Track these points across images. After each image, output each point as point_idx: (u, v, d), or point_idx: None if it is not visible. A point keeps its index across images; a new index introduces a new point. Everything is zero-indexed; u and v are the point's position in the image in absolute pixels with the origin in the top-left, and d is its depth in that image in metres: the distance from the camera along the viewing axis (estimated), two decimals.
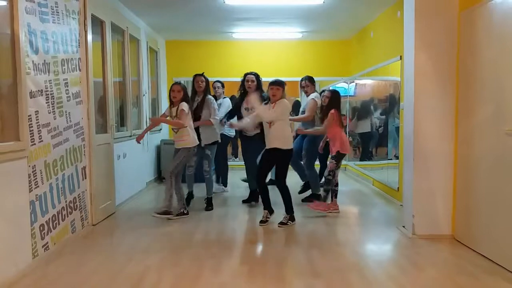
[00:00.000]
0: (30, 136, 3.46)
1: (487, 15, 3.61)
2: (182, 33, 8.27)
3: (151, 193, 6.77)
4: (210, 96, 5.52)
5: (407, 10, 4.32)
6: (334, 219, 4.99)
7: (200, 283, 3.15)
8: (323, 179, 6.08)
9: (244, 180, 6.48)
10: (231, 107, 5.97)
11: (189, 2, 6.00)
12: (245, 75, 5.53)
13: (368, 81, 7.71)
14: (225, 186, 6.58)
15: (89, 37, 4.60)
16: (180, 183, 4.98)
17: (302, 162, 5.76)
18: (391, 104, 6.23)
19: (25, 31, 3.40)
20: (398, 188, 5.66)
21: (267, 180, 5.02)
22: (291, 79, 9.07)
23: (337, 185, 5.22)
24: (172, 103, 4.92)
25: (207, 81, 5.45)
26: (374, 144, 7.41)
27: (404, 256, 3.74)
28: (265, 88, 5.27)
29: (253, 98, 4.77)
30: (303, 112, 5.76)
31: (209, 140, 5.44)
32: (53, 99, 3.85)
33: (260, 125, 4.92)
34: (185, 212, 4.99)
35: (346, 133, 5.40)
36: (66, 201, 4.07)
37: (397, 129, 5.82)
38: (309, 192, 5.88)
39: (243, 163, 5.89)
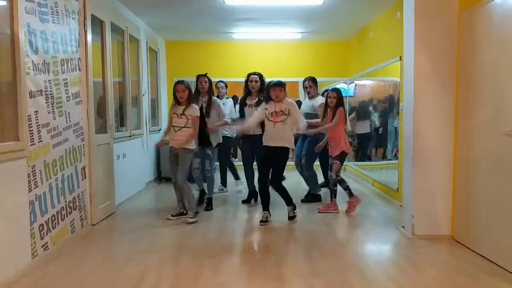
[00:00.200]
0: (30, 136, 3.46)
1: (487, 15, 3.62)
2: (182, 33, 8.27)
3: (151, 193, 6.77)
4: (216, 98, 5.54)
5: (407, 11, 4.32)
6: (334, 219, 4.99)
7: (200, 283, 3.15)
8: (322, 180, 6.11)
9: (236, 177, 6.56)
10: (233, 108, 5.99)
11: (189, 2, 6.00)
12: (249, 75, 5.53)
13: (367, 82, 7.71)
14: (225, 186, 6.59)
15: (89, 37, 4.59)
16: (190, 190, 4.99)
17: (302, 161, 5.77)
18: (391, 104, 6.23)
19: (25, 31, 3.40)
20: (397, 188, 5.67)
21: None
22: (291, 80, 9.10)
23: (336, 185, 5.24)
24: (178, 102, 4.82)
25: (210, 81, 5.44)
26: (373, 144, 7.41)
27: (403, 257, 3.74)
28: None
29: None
30: (306, 113, 5.74)
31: (218, 140, 5.50)
32: (53, 99, 3.85)
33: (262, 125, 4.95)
34: (185, 212, 4.99)
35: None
36: (65, 201, 4.07)
37: (396, 129, 5.82)
38: (310, 195, 5.90)
39: (241, 163, 5.92)
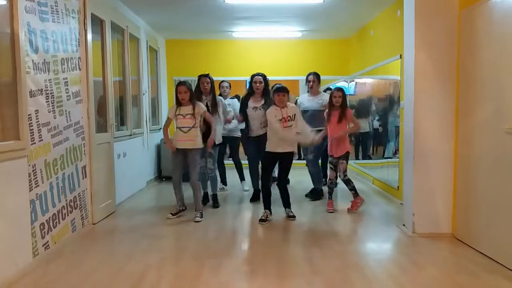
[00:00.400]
0: (30, 135, 3.46)
1: (487, 13, 3.61)
2: (182, 32, 8.27)
3: (151, 192, 6.77)
4: (220, 97, 5.55)
5: (407, 9, 4.31)
6: (334, 217, 4.99)
7: (200, 282, 3.15)
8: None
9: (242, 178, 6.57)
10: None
11: (189, 0, 5.99)
12: (253, 76, 5.54)
13: (368, 80, 7.71)
14: (225, 185, 6.60)
15: (89, 36, 4.59)
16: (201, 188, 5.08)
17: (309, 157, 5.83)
18: (391, 103, 6.23)
19: (25, 30, 3.40)
20: (398, 186, 5.67)
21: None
22: (291, 78, 9.12)
23: (337, 185, 5.28)
24: (180, 104, 4.80)
25: (212, 81, 5.40)
26: (374, 143, 7.41)
27: (404, 255, 3.74)
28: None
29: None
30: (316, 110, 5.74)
31: (219, 140, 5.52)
32: (53, 98, 3.85)
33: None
34: (183, 209, 5.01)
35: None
36: (66, 200, 4.08)
37: (397, 128, 5.82)
38: (314, 190, 5.95)
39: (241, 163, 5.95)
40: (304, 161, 6.08)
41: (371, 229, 4.65)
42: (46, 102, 3.73)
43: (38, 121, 3.58)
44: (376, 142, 7.29)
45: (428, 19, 4.11)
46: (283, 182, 4.98)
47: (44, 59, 3.71)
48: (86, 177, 4.54)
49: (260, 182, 5.12)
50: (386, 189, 6.25)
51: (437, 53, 4.12)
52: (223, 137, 5.72)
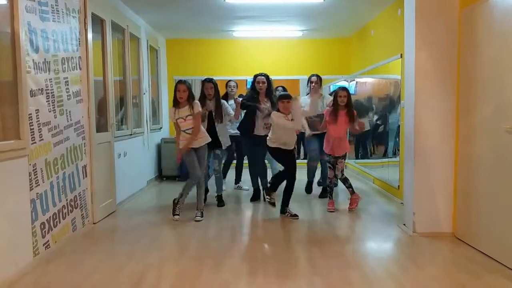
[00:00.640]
0: (31, 135, 3.46)
1: (487, 12, 3.61)
2: (182, 32, 8.26)
3: (152, 191, 6.78)
4: (224, 101, 5.54)
5: (408, 8, 4.31)
6: (334, 217, 4.99)
7: (201, 282, 3.15)
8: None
9: (238, 186, 6.58)
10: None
11: (189, 0, 5.99)
12: (255, 76, 5.53)
13: (368, 79, 7.70)
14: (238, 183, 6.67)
15: (89, 35, 4.59)
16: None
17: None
18: (391, 102, 6.22)
19: (26, 29, 3.40)
20: (398, 186, 5.66)
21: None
22: (292, 78, 9.12)
23: (336, 184, 5.31)
24: (177, 104, 4.76)
25: (216, 86, 5.35)
26: (374, 142, 7.40)
27: (404, 254, 3.74)
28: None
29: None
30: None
31: (228, 143, 5.55)
32: (54, 97, 3.85)
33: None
34: (176, 202, 4.95)
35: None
36: (66, 200, 4.08)
37: (397, 127, 5.82)
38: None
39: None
40: (305, 161, 6.08)
41: (372, 229, 4.65)
42: (47, 101, 3.73)
43: (39, 120, 3.59)
44: (376, 141, 7.29)
45: (429, 18, 4.10)
46: (292, 176, 4.94)
47: (45, 59, 3.71)
48: (86, 176, 4.54)
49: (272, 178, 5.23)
50: (387, 188, 6.25)
51: (438, 52, 4.12)
52: (232, 136, 5.75)
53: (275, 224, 4.69)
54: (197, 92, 5.48)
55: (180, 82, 4.79)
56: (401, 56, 5.50)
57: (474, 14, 3.80)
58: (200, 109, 4.77)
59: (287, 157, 4.92)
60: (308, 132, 5.67)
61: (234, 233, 4.47)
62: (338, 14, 6.81)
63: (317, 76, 5.88)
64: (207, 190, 5.72)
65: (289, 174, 4.93)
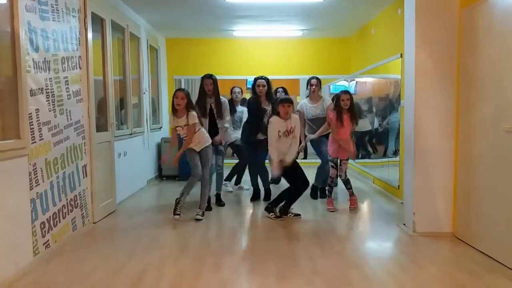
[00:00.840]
0: (31, 134, 3.46)
1: (487, 12, 3.61)
2: (182, 31, 8.26)
3: (152, 191, 6.78)
4: (225, 99, 5.50)
5: (408, 8, 4.31)
6: (334, 216, 4.99)
7: (201, 281, 3.15)
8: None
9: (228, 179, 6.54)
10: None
11: None
12: (255, 79, 5.54)
13: (368, 79, 7.70)
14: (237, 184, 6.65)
15: (89, 35, 4.59)
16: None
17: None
18: (391, 102, 6.22)
19: (25, 29, 3.40)
20: (398, 186, 5.67)
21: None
22: (292, 77, 9.13)
23: (337, 184, 5.33)
24: (175, 111, 4.77)
25: (215, 81, 5.35)
26: (374, 141, 7.41)
27: (404, 254, 3.74)
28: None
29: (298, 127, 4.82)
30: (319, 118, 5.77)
31: (229, 140, 5.57)
32: (54, 97, 3.85)
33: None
34: (177, 201, 4.91)
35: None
36: (67, 199, 4.08)
37: (397, 126, 5.82)
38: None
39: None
40: (305, 160, 6.09)
41: (372, 228, 4.65)
42: (47, 101, 3.73)
43: (39, 120, 3.58)
44: (376, 140, 7.29)
45: (429, 17, 4.10)
46: (305, 184, 4.90)
47: (45, 58, 3.70)
48: (86, 176, 4.54)
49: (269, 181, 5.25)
50: (387, 188, 6.25)
51: (438, 51, 4.12)
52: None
53: (275, 224, 4.69)
54: (196, 92, 5.49)
55: (178, 89, 4.84)
56: (401, 56, 5.50)
57: (474, 13, 3.80)
58: (196, 120, 4.76)
59: (291, 171, 4.78)
60: (308, 138, 5.70)
61: (234, 232, 4.47)
62: (338, 14, 6.81)
63: (317, 78, 5.85)
64: (221, 203, 5.63)
65: (298, 189, 4.86)
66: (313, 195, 5.91)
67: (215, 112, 5.32)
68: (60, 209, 3.94)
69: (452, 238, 4.12)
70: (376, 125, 7.14)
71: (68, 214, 4.11)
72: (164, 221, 4.83)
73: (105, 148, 5.03)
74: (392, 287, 3.05)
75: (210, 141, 4.96)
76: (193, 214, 4.87)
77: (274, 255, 3.71)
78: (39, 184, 3.58)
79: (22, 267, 3.29)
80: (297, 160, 4.87)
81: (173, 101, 4.76)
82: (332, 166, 5.29)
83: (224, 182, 6.15)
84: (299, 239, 4.26)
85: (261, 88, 5.45)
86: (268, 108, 5.44)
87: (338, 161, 5.30)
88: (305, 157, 8.82)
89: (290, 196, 4.90)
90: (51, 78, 3.80)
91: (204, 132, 4.93)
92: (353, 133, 5.37)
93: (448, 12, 4.09)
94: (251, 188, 5.95)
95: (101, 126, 5.03)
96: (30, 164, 3.45)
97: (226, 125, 5.45)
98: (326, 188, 5.48)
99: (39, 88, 3.60)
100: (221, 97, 5.42)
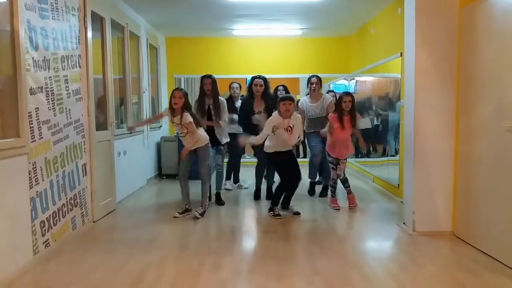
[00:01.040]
0: (30, 133, 3.46)
1: (487, 11, 3.60)
2: (182, 30, 8.26)
3: (152, 190, 6.77)
4: (223, 99, 5.52)
5: (408, 7, 4.30)
6: (334, 216, 4.99)
7: (201, 280, 3.15)
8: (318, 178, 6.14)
9: (239, 186, 6.56)
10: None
11: None
12: (253, 78, 5.52)
13: (368, 78, 7.70)
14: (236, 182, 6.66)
15: (89, 33, 4.59)
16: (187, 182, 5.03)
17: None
18: (391, 101, 6.22)
19: (25, 27, 3.39)
20: (398, 185, 5.67)
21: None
22: (291, 76, 9.12)
23: (337, 183, 5.33)
24: (172, 109, 4.78)
25: (214, 81, 5.39)
26: (374, 140, 7.40)
27: (404, 253, 3.74)
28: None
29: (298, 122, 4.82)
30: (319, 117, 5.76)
31: (226, 140, 5.57)
32: (53, 95, 3.85)
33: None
34: (189, 208, 4.99)
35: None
36: (66, 198, 4.07)
37: (397, 126, 5.82)
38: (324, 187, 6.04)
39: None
40: (304, 159, 6.09)
41: (371, 228, 4.65)
42: (46, 99, 3.73)
43: (38, 118, 3.58)
44: (376, 140, 7.28)
45: (429, 17, 4.10)
46: (297, 178, 4.94)
47: (44, 57, 3.70)
48: (86, 175, 4.54)
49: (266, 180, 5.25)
50: (387, 187, 6.25)
51: (438, 51, 4.12)
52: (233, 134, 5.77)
53: (275, 223, 4.68)
54: (196, 91, 5.50)
55: (176, 89, 4.86)
56: (401, 55, 5.50)
57: (474, 12, 3.80)
58: (190, 119, 4.75)
59: (286, 164, 4.85)
60: (322, 132, 5.65)
61: (234, 231, 4.47)
62: (338, 13, 6.81)
63: (317, 77, 5.83)
64: (221, 202, 5.66)
65: (287, 183, 4.90)
66: (310, 192, 5.99)
67: (213, 112, 5.34)
68: (60, 208, 3.93)
69: (452, 237, 4.12)
70: (375, 122, 7.14)
71: (68, 213, 4.11)
72: (164, 220, 4.83)
73: (105, 147, 5.02)
74: (392, 286, 3.05)
75: (207, 141, 4.96)
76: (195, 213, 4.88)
77: (274, 254, 3.71)
78: (38, 183, 3.58)
79: (22, 266, 3.29)
80: (293, 154, 4.93)
81: (170, 100, 4.77)
82: (333, 168, 5.30)
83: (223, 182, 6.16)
84: (299, 238, 4.26)
85: (258, 87, 5.44)
86: (262, 107, 5.42)
87: (337, 161, 5.29)
88: (304, 156, 8.83)
89: (284, 190, 4.96)
90: (50, 77, 3.80)
91: (202, 131, 4.94)
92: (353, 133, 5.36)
93: (448, 11, 4.09)
94: (250, 187, 5.95)
95: (101, 125, 5.03)
96: (29, 163, 3.45)
97: (222, 122, 5.47)
98: (329, 188, 5.49)
99: (38, 87, 3.59)
100: (219, 97, 5.45)
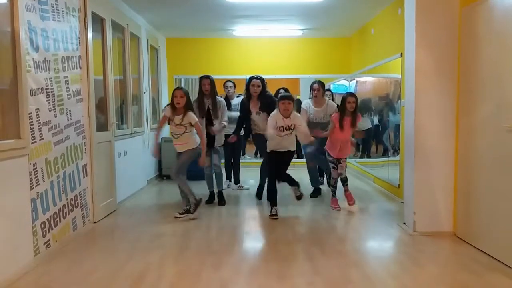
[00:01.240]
0: (31, 134, 3.46)
1: (487, 11, 3.60)
2: (182, 31, 8.26)
3: (152, 190, 6.78)
4: (221, 99, 5.54)
5: (408, 7, 4.30)
6: (335, 216, 4.99)
7: (201, 280, 3.15)
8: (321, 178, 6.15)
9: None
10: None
11: None
12: (250, 78, 5.50)
13: (368, 79, 7.70)
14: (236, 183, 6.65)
15: (90, 34, 4.59)
16: (185, 182, 4.95)
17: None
18: (391, 101, 6.22)
19: (26, 28, 3.39)
20: (399, 185, 5.66)
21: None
22: (292, 77, 9.12)
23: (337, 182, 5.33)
24: (174, 109, 4.76)
25: (212, 82, 5.41)
26: (375, 140, 7.40)
27: (405, 253, 3.74)
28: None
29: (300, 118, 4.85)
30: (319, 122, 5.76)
31: (221, 142, 5.60)
32: (54, 96, 3.85)
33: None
34: (190, 209, 4.97)
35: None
36: (67, 199, 4.08)
37: (397, 126, 5.82)
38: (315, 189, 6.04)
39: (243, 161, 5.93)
40: (304, 159, 6.10)
41: (372, 228, 4.65)
42: (47, 100, 3.73)
43: (39, 119, 3.58)
44: (376, 140, 7.28)
45: (429, 17, 4.10)
46: (283, 175, 4.98)
47: (45, 58, 3.70)
48: (86, 175, 4.54)
49: (267, 179, 5.23)
50: (387, 187, 6.24)
51: (438, 51, 4.12)
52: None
53: (276, 223, 4.69)
54: (196, 92, 5.51)
55: (177, 88, 4.84)
56: (401, 55, 5.50)
57: (474, 12, 3.80)
58: (196, 119, 4.78)
59: (276, 159, 4.88)
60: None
61: (235, 232, 4.46)
62: (338, 13, 6.81)
63: (319, 83, 5.74)
64: (213, 193, 5.66)
65: (270, 175, 4.93)
66: (312, 195, 5.97)
67: (212, 112, 5.36)
68: (60, 208, 3.94)
69: (453, 237, 4.12)
70: (376, 122, 7.15)
71: (69, 214, 4.11)
72: (164, 220, 4.84)
73: (105, 147, 5.03)
74: (392, 286, 3.05)
75: (195, 145, 4.86)
76: (200, 213, 4.89)
77: (274, 254, 3.71)
78: (39, 184, 3.58)
79: (22, 267, 3.29)
80: (290, 157, 4.95)
81: (172, 100, 4.76)
82: (333, 167, 5.30)
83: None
84: (299, 238, 4.26)
85: (255, 88, 5.42)
86: (258, 107, 5.42)
87: (337, 160, 5.29)
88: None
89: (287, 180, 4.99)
90: (51, 78, 3.80)
91: (191, 136, 4.83)
92: (354, 134, 5.36)
93: (448, 11, 4.09)
94: (251, 188, 5.95)
95: (102, 126, 5.03)
96: (30, 164, 3.45)
97: (224, 123, 5.50)
98: (330, 188, 5.48)
99: (39, 88, 3.60)
100: (217, 97, 5.48)
